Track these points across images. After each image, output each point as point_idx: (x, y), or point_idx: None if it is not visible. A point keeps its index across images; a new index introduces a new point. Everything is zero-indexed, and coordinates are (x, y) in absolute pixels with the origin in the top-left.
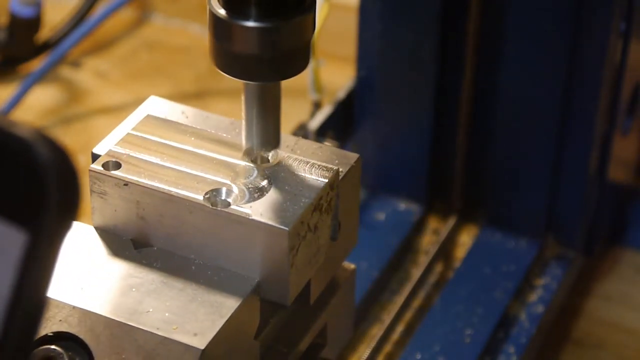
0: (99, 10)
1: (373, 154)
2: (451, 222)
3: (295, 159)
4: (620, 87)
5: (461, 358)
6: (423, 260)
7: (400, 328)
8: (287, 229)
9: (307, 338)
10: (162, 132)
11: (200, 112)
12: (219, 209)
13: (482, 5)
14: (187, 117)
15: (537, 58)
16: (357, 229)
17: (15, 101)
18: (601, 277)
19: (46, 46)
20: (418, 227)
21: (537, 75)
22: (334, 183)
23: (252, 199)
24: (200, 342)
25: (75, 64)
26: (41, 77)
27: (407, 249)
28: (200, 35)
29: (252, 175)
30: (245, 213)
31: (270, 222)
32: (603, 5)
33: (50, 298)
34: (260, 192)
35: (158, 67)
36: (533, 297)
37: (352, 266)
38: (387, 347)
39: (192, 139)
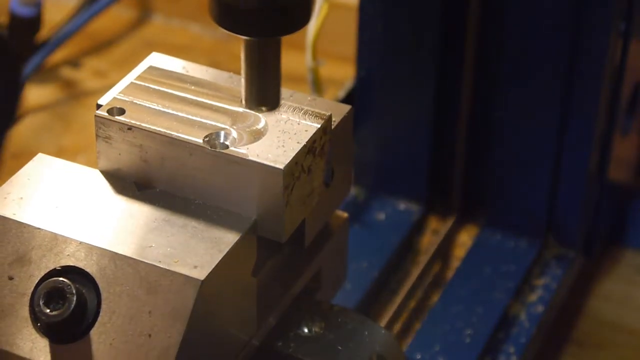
0: (93, 6)
1: (373, 153)
2: (451, 222)
3: (290, 105)
4: (620, 87)
5: (461, 358)
6: (423, 260)
7: (399, 328)
8: (281, 168)
9: (302, 280)
10: (163, 81)
11: (199, 66)
12: (217, 150)
13: (482, 6)
14: (187, 71)
15: (537, 58)
16: (350, 179)
17: None
18: (601, 277)
19: None
20: (418, 227)
21: (537, 75)
22: (327, 128)
23: (249, 141)
24: (200, 274)
25: (75, 65)
26: (33, 73)
27: (407, 248)
28: (200, 35)
29: (249, 121)
30: (243, 154)
31: (266, 162)
32: (603, 5)
33: (58, 234)
34: (257, 135)
35: None
36: (533, 297)
37: (345, 214)
38: None
39: (193, 87)
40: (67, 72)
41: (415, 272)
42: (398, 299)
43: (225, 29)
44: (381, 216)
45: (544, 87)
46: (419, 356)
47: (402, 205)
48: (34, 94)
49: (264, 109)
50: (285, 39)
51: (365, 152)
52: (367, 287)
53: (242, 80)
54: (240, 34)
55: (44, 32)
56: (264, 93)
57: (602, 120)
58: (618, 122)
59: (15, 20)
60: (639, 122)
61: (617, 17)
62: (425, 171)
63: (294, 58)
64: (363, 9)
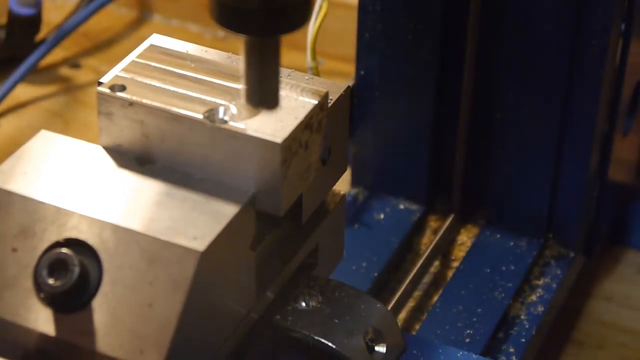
0: (90, 5)
1: (373, 154)
2: (451, 222)
3: (288, 83)
4: (620, 87)
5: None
6: (423, 261)
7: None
8: (279, 142)
9: (299, 256)
10: (164, 59)
11: (199, 46)
12: (216, 125)
13: (482, 6)
14: (187, 51)
15: (537, 58)
16: (347, 158)
17: (5, 93)
18: (601, 277)
19: None
20: (418, 227)
21: (537, 75)
22: (324, 105)
23: (247, 117)
24: (200, 245)
25: (75, 65)
26: (30, 70)
27: (407, 248)
28: (200, 35)
29: None
30: (241, 129)
31: (264, 137)
32: (603, 5)
33: (61, 208)
34: (255, 111)
35: None
36: (533, 297)
37: (342, 192)
38: None
39: (193, 65)
40: (66, 72)
41: (415, 272)
42: (398, 299)
43: (225, 28)
44: (381, 216)
45: (544, 87)
46: None
47: (401, 205)
48: (34, 94)
49: (263, 107)
50: (285, 39)
51: (365, 152)
52: (367, 287)
53: (242, 80)
54: (240, 33)
55: (44, 32)
56: (264, 92)
57: (602, 120)
58: (618, 122)
59: (15, 20)
60: (639, 123)
61: (617, 17)
62: (425, 171)
63: (294, 58)
64: (363, 8)
